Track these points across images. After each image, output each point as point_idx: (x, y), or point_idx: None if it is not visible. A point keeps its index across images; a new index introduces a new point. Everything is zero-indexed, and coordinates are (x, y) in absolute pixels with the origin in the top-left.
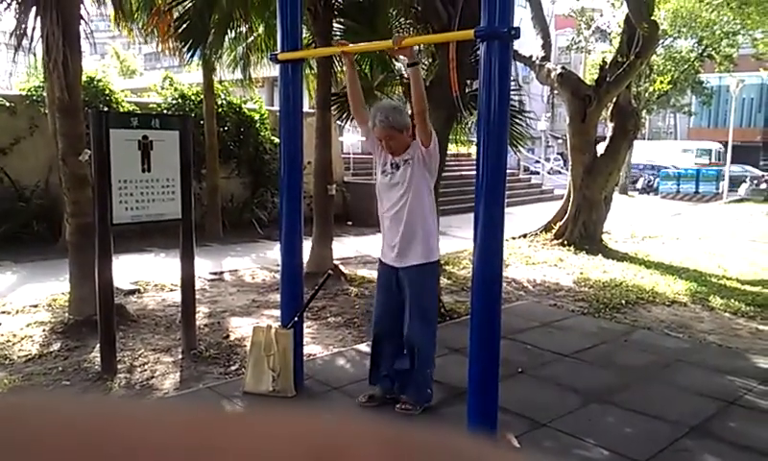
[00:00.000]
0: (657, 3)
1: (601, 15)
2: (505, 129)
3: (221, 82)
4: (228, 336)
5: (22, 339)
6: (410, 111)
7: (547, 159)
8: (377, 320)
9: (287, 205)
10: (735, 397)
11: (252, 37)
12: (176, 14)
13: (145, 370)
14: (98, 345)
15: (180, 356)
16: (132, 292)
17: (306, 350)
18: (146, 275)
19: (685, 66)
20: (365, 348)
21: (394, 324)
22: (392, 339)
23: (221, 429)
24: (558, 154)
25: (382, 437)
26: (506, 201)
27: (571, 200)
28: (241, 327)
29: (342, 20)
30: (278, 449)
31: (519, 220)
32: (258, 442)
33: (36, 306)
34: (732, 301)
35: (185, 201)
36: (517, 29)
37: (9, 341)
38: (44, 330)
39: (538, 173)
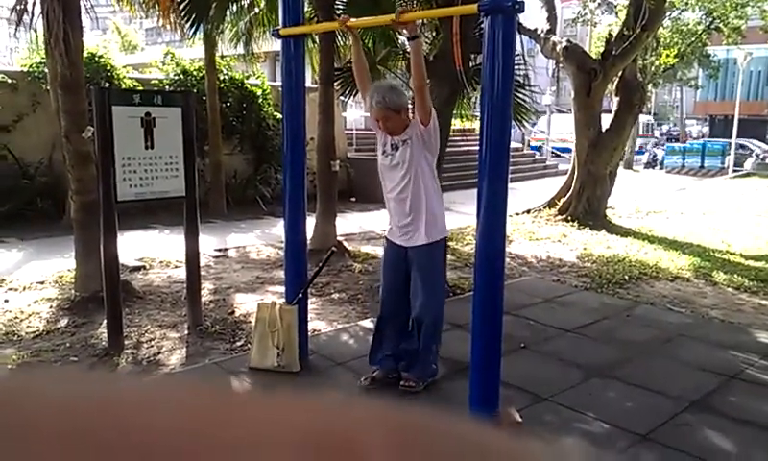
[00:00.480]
0: None
1: None
2: (509, 104)
3: (223, 57)
4: (233, 312)
5: (30, 316)
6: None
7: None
8: (384, 299)
9: (290, 181)
10: (737, 371)
11: (254, 12)
12: None
13: (152, 346)
14: (104, 321)
15: (186, 332)
16: (137, 268)
17: (311, 325)
18: (151, 251)
19: (693, 39)
20: (369, 324)
21: (400, 303)
22: (398, 318)
23: (221, 413)
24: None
25: (386, 423)
26: (510, 176)
27: (575, 175)
28: (246, 304)
29: None
30: (278, 436)
31: (523, 195)
32: (258, 428)
33: (42, 283)
34: (736, 276)
35: (189, 178)
36: (521, 2)
37: (16, 317)
38: (51, 307)
39: (541, 147)
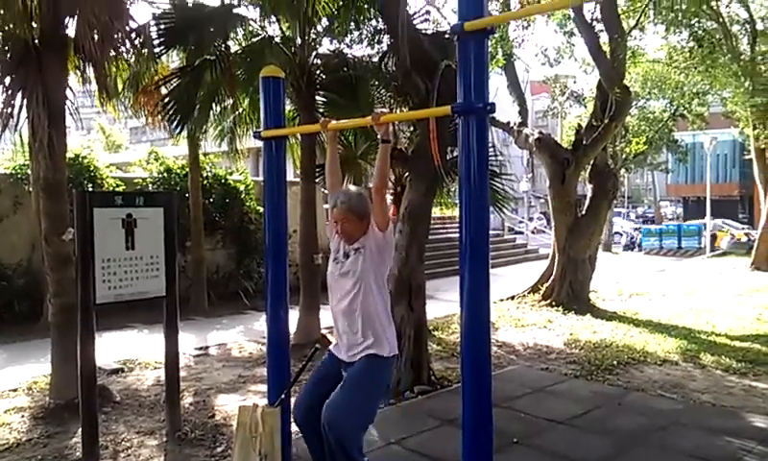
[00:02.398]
0: (627, 68)
1: (574, 81)
2: (485, 194)
3: (206, 154)
4: (213, 415)
5: (0, 426)
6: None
7: (530, 219)
8: (297, 409)
9: (272, 274)
10: (734, 459)
11: (237, 112)
12: (163, 91)
13: (128, 455)
14: (79, 430)
15: (164, 439)
16: (115, 371)
17: (294, 427)
18: (129, 353)
19: (659, 126)
20: None
21: (316, 417)
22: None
23: None
24: (541, 213)
25: None
26: (491, 262)
27: (557, 260)
28: (227, 405)
29: (324, 93)
30: None
31: (506, 281)
32: None
33: (15, 390)
34: (723, 357)
35: (170, 277)
36: (493, 104)
37: None
38: (23, 416)
39: (522, 233)
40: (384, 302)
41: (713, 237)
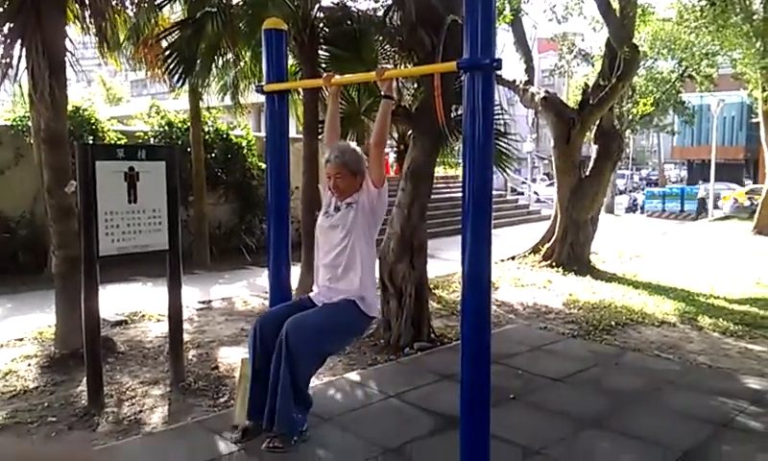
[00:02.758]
0: (636, 26)
1: (583, 39)
2: (490, 153)
3: (208, 108)
4: (216, 367)
5: (7, 374)
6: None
7: (533, 180)
8: (262, 318)
9: (275, 230)
10: (728, 419)
11: (240, 66)
12: (164, 44)
13: (133, 404)
14: (85, 379)
15: (168, 389)
16: (119, 323)
17: None
18: (133, 305)
19: (667, 87)
20: (356, 377)
21: (274, 328)
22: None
23: None
24: (544, 174)
25: None
26: (493, 222)
27: (558, 221)
28: (229, 358)
29: (327, 47)
30: None
31: (507, 241)
32: None
33: (21, 340)
34: (721, 320)
35: (172, 231)
36: (499, 60)
37: None
38: (30, 365)
39: (524, 194)
40: (370, 260)
41: (702, 201)
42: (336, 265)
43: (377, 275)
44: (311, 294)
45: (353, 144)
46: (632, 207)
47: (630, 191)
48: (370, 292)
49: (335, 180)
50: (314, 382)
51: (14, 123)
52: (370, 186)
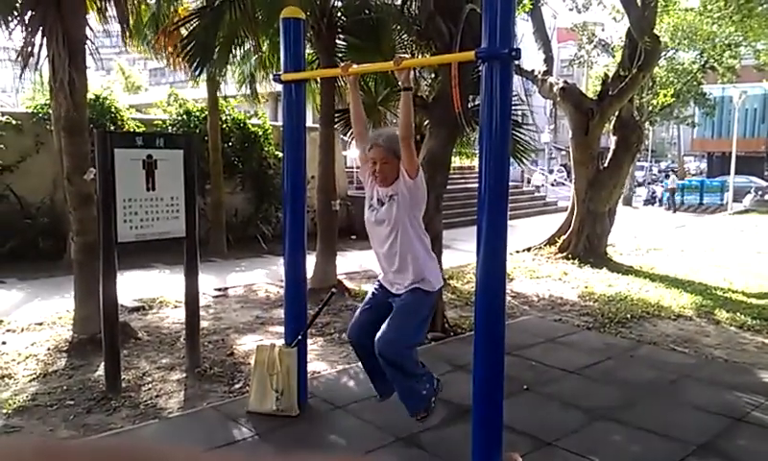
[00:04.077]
0: (660, 17)
1: (603, 29)
2: (506, 144)
3: (225, 98)
4: (232, 353)
5: (27, 358)
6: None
7: (551, 171)
8: (351, 330)
9: (291, 219)
10: (743, 413)
11: (258, 55)
12: (183, 32)
13: (149, 389)
14: (102, 363)
15: (184, 375)
16: (136, 309)
17: (310, 367)
18: (150, 291)
19: (688, 78)
20: None
21: (367, 337)
22: (366, 351)
23: None
24: (561, 165)
25: None
26: (509, 213)
27: (575, 213)
28: (245, 345)
29: (345, 37)
30: None
31: (523, 233)
32: None
33: (40, 324)
34: (738, 314)
35: (189, 219)
36: (518, 50)
37: (14, 360)
38: (49, 349)
39: (541, 185)
40: (422, 241)
41: (672, 192)
42: (392, 255)
43: None
44: (380, 278)
45: (391, 128)
46: (650, 200)
47: (648, 183)
48: (430, 269)
49: (381, 165)
50: (328, 370)
51: (35, 111)
52: (405, 177)
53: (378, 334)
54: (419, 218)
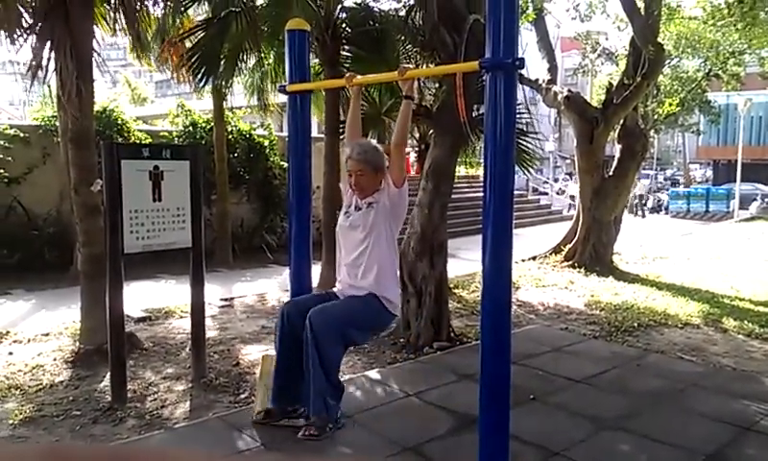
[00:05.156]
0: (665, 25)
1: (606, 38)
2: (511, 152)
3: (231, 109)
4: (237, 363)
5: (33, 368)
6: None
7: (556, 180)
8: (287, 305)
9: (296, 229)
10: (752, 422)
11: (263, 67)
12: (188, 44)
13: (155, 399)
14: (108, 374)
15: (190, 385)
16: (142, 319)
17: None
18: (157, 302)
19: (693, 86)
20: (375, 374)
21: (301, 316)
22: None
23: None
24: (566, 174)
25: None
26: (515, 222)
27: (581, 221)
28: (251, 354)
29: (349, 48)
30: None
31: (529, 241)
32: None
33: (47, 335)
34: (746, 322)
35: (195, 229)
36: (522, 60)
37: (20, 370)
38: (55, 360)
39: (546, 194)
40: (391, 260)
41: (641, 198)
42: (357, 265)
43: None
44: (335, 289)
45: (374, 141)
46: (656, 208)
47: (654, 191)
48: (391, 291)
49: (356, 177)
50: None
51: (42, 122)
52: (390, 186)
53: (317, 307)
54: (395, 234)
